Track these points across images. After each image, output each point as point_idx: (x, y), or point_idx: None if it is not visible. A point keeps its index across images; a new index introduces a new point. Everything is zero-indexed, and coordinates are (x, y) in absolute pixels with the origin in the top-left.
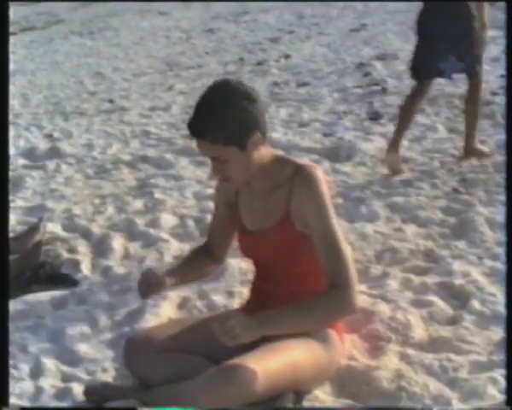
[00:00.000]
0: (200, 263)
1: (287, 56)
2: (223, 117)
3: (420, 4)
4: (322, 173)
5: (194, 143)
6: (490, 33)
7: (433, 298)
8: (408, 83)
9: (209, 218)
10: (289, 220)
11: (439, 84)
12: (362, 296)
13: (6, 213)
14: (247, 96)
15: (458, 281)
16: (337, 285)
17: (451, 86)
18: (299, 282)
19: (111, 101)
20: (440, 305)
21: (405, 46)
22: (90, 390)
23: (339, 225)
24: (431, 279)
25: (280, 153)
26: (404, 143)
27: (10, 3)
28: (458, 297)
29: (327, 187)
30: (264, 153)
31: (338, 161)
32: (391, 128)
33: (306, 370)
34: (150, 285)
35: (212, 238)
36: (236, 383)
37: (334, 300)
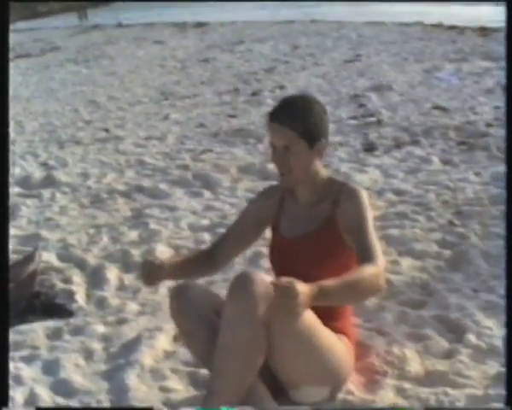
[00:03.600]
0: (195, 269)
1: (281, 87)
2: (305, 112)
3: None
4: (365, 192)
5: (189, 174)
6: (485, 64)
7: (429, 332)
8: (402, 114)
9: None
10: (332, 225)
11: (434, 116)
12: (357, 330)
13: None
14: (323, 108)
15: (454, 314)
16: (370, 260)
17: (446, 118)
18: None
19: (106, 130)
20: (436, 338)
21: (400, 77)
22: None
23: (376, 235)
24: (427, 313)
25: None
26: (399, 174)
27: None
28: (454, 331)
29: (369, 204)
30: (319, 165)
31: None
32: (386, 160)
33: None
34: (152, 273)
35: (222, 244)
36: None
37: (373, 272)
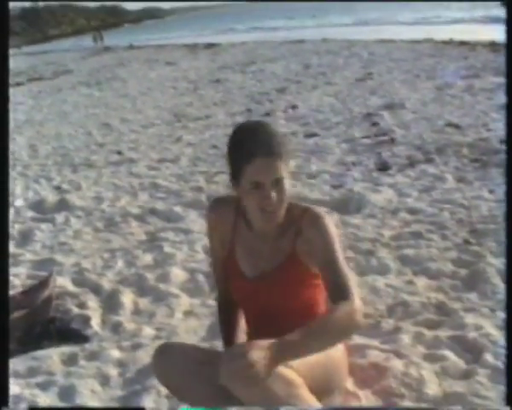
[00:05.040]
0: (240, 320)
1: (294, 107)
2: (284, 138)
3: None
4: (330, 216)
5: (203, 196)
6: (497, 80)
7: (446, 352)
8: (415, 132)
9: None
10: (295, 258)
11: (447, 133)
12: (374, 352)
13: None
14: None
15: (471, 334)
16: (344, 297)
17: (459, 135)
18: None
19: (119, 152)
20: (453, 359)
21: (412, 95)
22: None
23: (347, 265)
24: (443, 333)
25: None
26: (413, 193)
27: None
28: (471, 351)
29: (335, 228)
30: None
31: (347, 214)
32: (400, 178)
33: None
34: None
35: (225, 289)
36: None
37: (347, 311)
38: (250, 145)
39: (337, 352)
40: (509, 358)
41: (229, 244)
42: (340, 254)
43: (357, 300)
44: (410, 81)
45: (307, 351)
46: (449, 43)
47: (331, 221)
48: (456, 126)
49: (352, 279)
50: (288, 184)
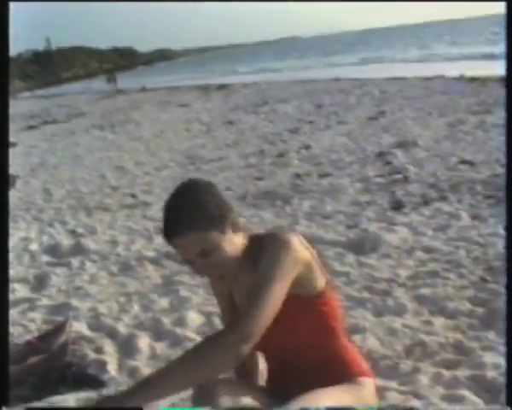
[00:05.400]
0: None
1: (307, 147)
2: (198, 205)
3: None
4: (296, 240)
5: None
6: None
7: (465, 392)
8: (429, 170)
9: None
10: None
11: (461, 170)
12: (393, 394)
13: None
14: (212, 186)
15: (490, 373)
16: (233, 325)
17: (473, 172)
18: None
19: (133, 195)
20: (473, 399)
21: (425, 132)
22: None
23: (281, 292)
24: (462, 373)
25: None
26: (429, 232)
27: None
28: (490, 390)
29: (295, 254)
30: (241, 238)
31: (363, 254)
32: (414, 217)
33: None
34: None
35: None
36: None
37: (221, 340)
38: (164, 226)
39: (368, 391)
40: (509, 359)
41: (228, 290)
42: (274, 283)
43: (246, 333)
44: (422, 118)
45: (171, 386)
46: (460, 79)
47: (290, 246)
48: (470, 163)
49: (262, 313)
50: (223, 248)
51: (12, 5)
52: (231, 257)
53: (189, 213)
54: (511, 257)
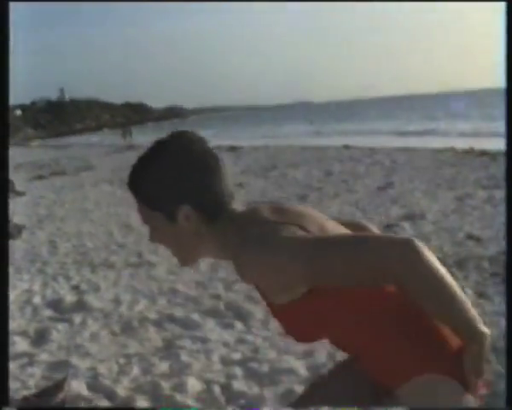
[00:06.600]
0: None
1: None
2: (154, 176)
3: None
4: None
5: (221, 304)
6: None
7: None
8: (435, 244)
9: (235, 384)
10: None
11: (468, 246)
12: None
13: None
14: (193, 161)
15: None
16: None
17: (480, 248)
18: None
19: (139, 255)
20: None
21: (433, 205)
22: None
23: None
24: None
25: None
26: None
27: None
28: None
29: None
30: (223, 226)
31: None
32: None
33: None
34: None
35: None
36: None
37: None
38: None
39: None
40: (508, 358)
41: None
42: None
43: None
44: (430, 191)
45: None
46: (470, 152)
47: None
48: (477, 239)
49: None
50: (166, 233)
51: (28, 51)
52: (180, 246)
53: (140, 178)
54: (511, 258)
